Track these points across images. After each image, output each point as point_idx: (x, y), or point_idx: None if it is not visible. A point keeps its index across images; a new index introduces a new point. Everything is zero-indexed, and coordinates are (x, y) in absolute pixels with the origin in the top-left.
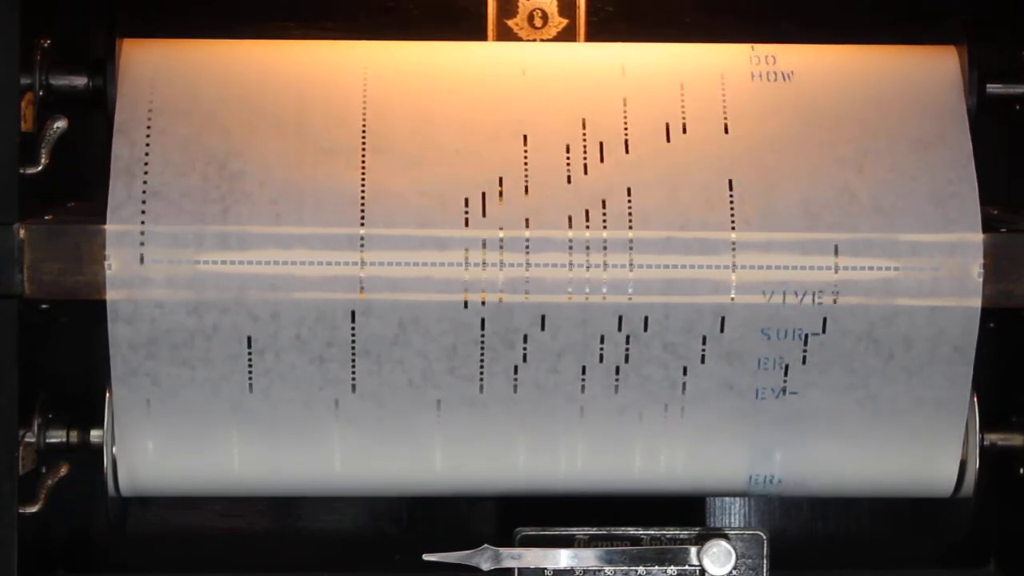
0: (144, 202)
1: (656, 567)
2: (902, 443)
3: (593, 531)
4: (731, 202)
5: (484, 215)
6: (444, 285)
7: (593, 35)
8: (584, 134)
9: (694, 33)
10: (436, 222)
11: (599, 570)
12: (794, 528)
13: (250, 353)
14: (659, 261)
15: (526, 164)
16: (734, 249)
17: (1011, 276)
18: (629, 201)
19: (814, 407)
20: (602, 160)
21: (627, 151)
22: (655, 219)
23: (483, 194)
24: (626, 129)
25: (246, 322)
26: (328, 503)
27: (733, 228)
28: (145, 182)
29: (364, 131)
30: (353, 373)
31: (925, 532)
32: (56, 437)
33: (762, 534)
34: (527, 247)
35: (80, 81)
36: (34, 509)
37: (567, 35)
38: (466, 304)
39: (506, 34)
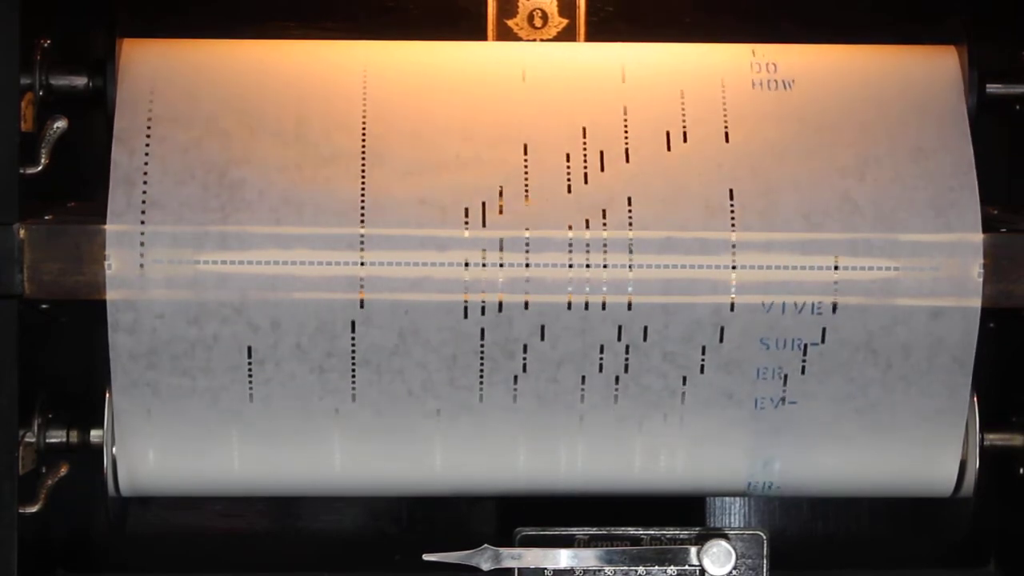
0: (144, 212)
1: (656, 567)
2: (902, 444)
3: (593, 531)
4: (731, 211)
5: (484, 225)
6: (444, 292)
7: (593, 35)
8: (584, 142)
9: (694, 33)
10: (436, 231)
11: (599, 570)
12: (794, 528)
13: (250, 363)
14: (658, 269)
15: (526, 173)
16: (734, 258)
17: (1011, 276)
18: (629, 210)
19: (813, 416)
20: (602, 169)
21: (627, 160)
22: (655, 227)
23: (483, 203)
24: (626, 137)
25: (246, 332)
26: (328, 503)
27: (733, 238)
28: (144, 192)
29: (364, 137)
30: (353, 383)
31: (925, 532)
32: (56, 437)
33: (762, 534)
34: (527, 253)
35: (80, 81)
36: (34, 509)
37: (567, 35)
38: (466, 313)
39: (506, 34)
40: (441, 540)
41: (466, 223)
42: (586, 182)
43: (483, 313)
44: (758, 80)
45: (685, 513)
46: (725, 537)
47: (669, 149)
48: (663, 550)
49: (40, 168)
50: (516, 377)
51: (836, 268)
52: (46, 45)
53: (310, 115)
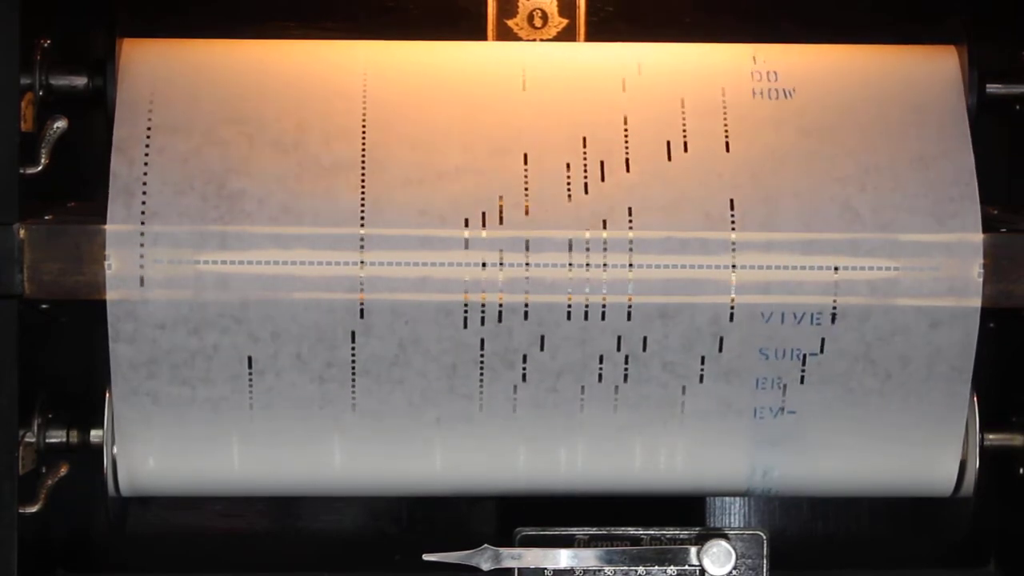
0: (143, 223)
1: (656, 567)
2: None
3: (593, 531)
4: (732, 221)
5: (484, 236)
6: (444, 302)
7: (593, 35)
8: (585, 152)
9: (694, 33)
10: (436, 242)
11: (599, 570)
12: (794, 528)
13: (251, 373)
14: (658, 278)
15: (526, 182)
16: (734, 270)
17: (1011, 276)
18: (630, 220)
19: (812, 426)
20: (603, 179)
21: (628, 169)
22: (655, 237)
23: (483, 213)
24: (627, 147)
25: (246, 342)
26: (328, 503)
27: (733, 247)
28: (144, 203)
29: (364, 146)
30: (353, 392)
31: (925, 532)
32: (56, 437)
33: (762, 534)
34: (527, 266)
35: (80, 81)
36: (34, 509)
37: (567, 35)
38: (465, 323)
39: (506, 34)
40: (441, 540)
41: (466, 233)
42: (586, 192)
43: (483, 323)
44: (759, 89)
45: (685, 513)
46: (725, 537)
47: (670, 159)
48: (663, 550)
49: (40, 168)
50: (516, 387)
51: (836, 269)
52: (46, 45)
53: (309, 123)
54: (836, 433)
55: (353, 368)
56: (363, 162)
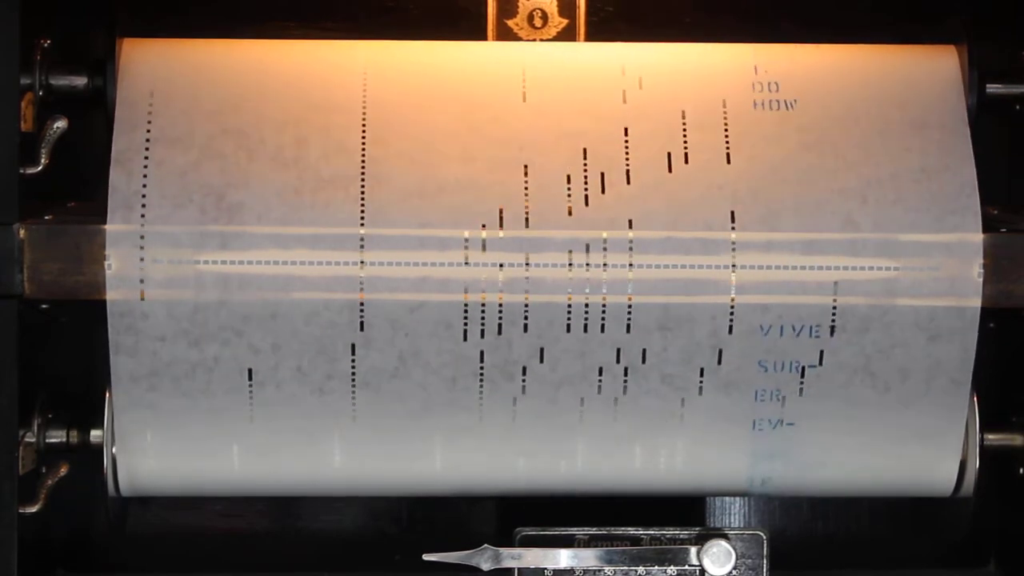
0: (143, 237)
1: (656, 567)
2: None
3: (593, 531)
4: (732, 234)
5: (484, 249)
6: (444, 314)
7: (593, 35)
8: (585, 164)
9: (694, 33)
10: (436, 255)
11: (599, 570)
12: (794, 528)
13: (251, 385)
14: (658, 289)
15: (526, 195)
16: (733, 283)
17: (1011, 276)
18: (630, 233)
19: (811, 437)
20: (603, 191)
21: (628, 182)
22: (656, 250)
23: (483, 226)
24: (627, 159)
25: (247, 355)
26: (328, 503)
27: (734, 260)
28: (143, 216)
29: (364, 160)
30: (353, 404)
31: (925, 532)
32: (56, 437)
33: (762, 534)
34: (527, 280)
35: (80, 81)
36: (34, 509)
37: (567, 35)
38: (465, 336)
39: (506, 34)
40: (441, 540)
41: (466, 247)
42: (587, 204)
43: (482, 336)
44: (760, 100)
45: (685, 513)
46: (725, 537)
47: (670, 171)
48: (663, 550)
49: (40, 168)
50: (515, 399)
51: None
52: (46, 45)
53: (309, 136)
54: (835, 443)
55: (353, 380)
56: (363, 175)
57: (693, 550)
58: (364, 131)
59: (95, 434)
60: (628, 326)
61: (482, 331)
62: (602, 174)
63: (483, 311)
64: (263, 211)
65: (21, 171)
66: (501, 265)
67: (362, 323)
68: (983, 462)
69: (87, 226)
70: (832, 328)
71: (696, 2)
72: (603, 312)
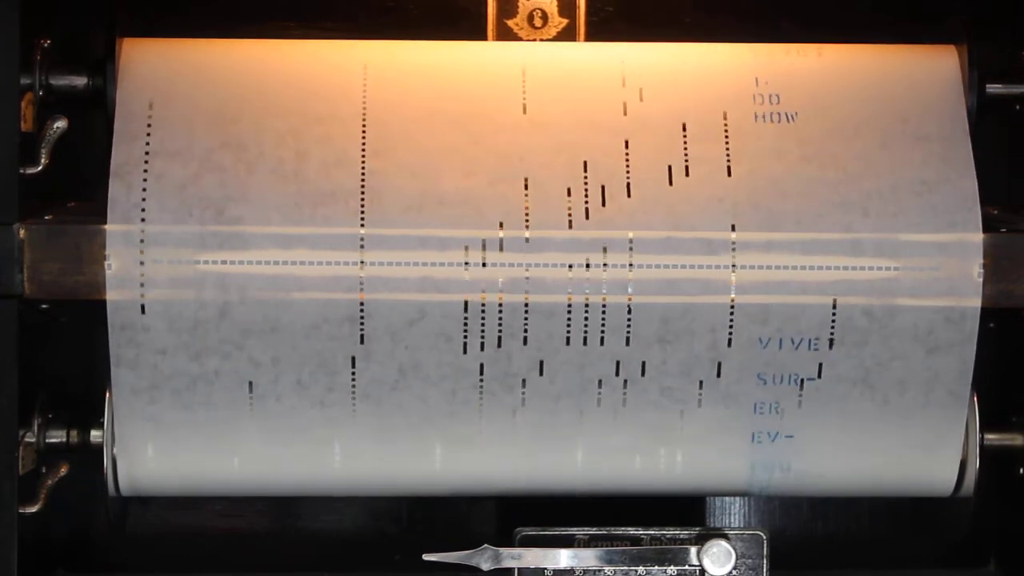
0: (143, 251)
1: (656, 567)
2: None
3: (593, 531)
4: (733, 246)
5: (484, 264)
6: (444, 328)
7: (593, 35)
8: (586, 176)
9: (694, 33)
10: (436, 269)
11: (599, 570)
12: (794, 528)
13: (251, 398)
14: (658, 304)
15: (527, 208)
16: (733, 295)
17: (1011, 276)
18: (631, 246)
19: (810, 449)
20: (604, 204)
21: (629, 195)
22: (656, 262)
23: (483, 241)
24: (628, 171)
25: (247, 368)
26: (328, 503)
27: (734, 273)
28: (143, 230)
29: (363, 173)
30: (354, 416)
31: (925, 532)
32: (56, 437)
33: (762, 534)
34: (527, 293)
35: (80, 81)
36: (34, 509)
37: (567, 35)
38: (465, 348)
39: (506, 34)
40: (441, 540)
41: (466, 260)
42: (587, 217)
43: (482, 348)
44: (761, 112)
45: (685, 513)
46: (725, 537)
47: (671, 184)
48: (663, 550)
49: (40, 168)
50: (515, 411)
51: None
52: (46, 45)
53: (309, 148)
54: (834, 453)
55: (353, 393)
56: (362, 188)
57: (693, 550)
58: (364, 144)
59: (95, 434)
60: (627, 339)
61: (482, 344)
62: (603, 187)
63: (483, 324)
64: (263, 223)
65: (21, 171)
66: (501, 279)
67: (362, 336)
68: (983, 462)
69: (87, 226)
70: (831, 341)
71: (696, 2)
72: (603, 325)
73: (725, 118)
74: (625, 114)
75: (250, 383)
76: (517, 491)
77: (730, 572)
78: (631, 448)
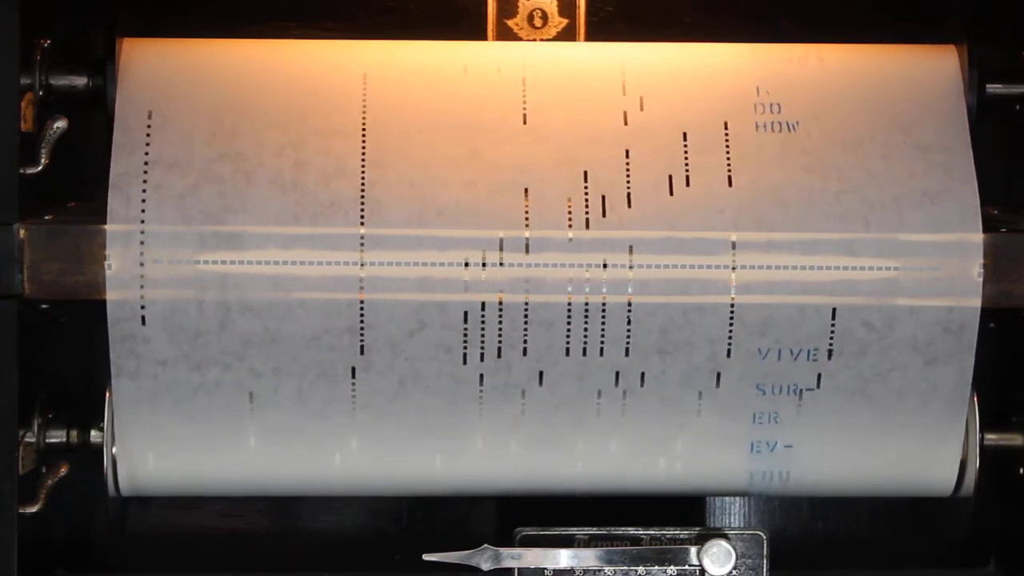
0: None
1: (656, 567)
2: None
3: (593, 531)
4: (733, 257)
5: (484, 276)
6: (443, 339)
7: (593, 35)
8: (586, 187)
9: (694, 33)
10: (436, 280)
11: (599, 570)
12: (794, 528)
13: (252, 408)
14: (658, 315)
15: (527, 219)
16: (732, 306)
17: (1011, 276)
18: (631, 257)
19: (809, 458)
20: (604, 214)
21: (630, 205)
22: (656, 273)
23: (483, 253)
24: (628, 182)
25: (248, 378)
26: (328, 503)
27: (734, 284)
28: (143, 242)
29: (363, 184)
30: (354, 425)
31: (925, 532)
32: (56, 437)
33: (762, 534)
34: (526, 307)
35: (80, 81)
36: (34, 509)
37: (567, 35)
38: (465, 359)
39: (506, 34)
40: (441, 540)
41: (466, 272)
42: (587, 227)
43: (482, 359)
44: (762, 122)
45: (685, 513)
46: (725, 537)
47: (672, 193)
48: (663, 550)
49: (40, 168)
50: (514, 421)
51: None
52: (46, 45)
53: (308, 159)
54: (833, 461)
55: (353, 402)
56: (362, 199)
57: (693, 550)
58: (364, 154)
59: (95, 434)
60: (627, 349)
61: (481, 354)
62: (603, 197)
63: (483, 335)
64: (262, 235)
65: (21, 171)
66: (501, 289)
67: (362, 347)
68: (983, 462)
69: (87, 226)
70: (830, 352)
71: (696, 2)
72: (602, 335)
73: (726, 128)
74: (626, 124)
75: (250, 393)
76: (516, 494)
77: (730, 572)
78: (629, 458)
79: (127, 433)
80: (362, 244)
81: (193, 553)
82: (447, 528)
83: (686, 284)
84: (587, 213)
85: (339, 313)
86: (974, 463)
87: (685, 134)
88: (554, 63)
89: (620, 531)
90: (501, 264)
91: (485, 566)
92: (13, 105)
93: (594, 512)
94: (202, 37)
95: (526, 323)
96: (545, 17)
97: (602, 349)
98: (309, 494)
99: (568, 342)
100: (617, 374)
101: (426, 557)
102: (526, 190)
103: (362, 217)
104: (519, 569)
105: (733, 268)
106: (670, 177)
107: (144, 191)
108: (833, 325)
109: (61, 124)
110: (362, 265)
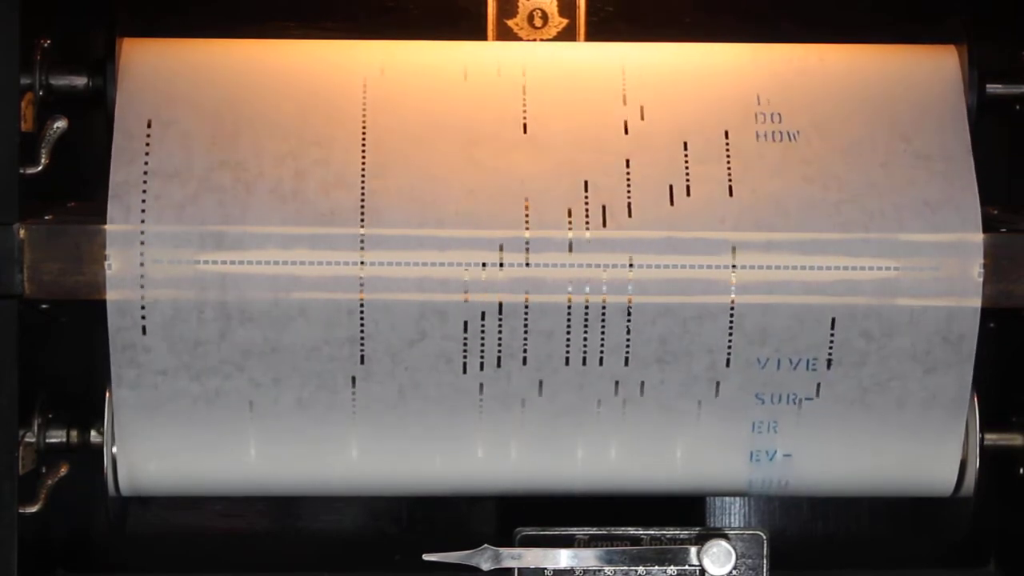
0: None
1: (656, 567)
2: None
3: (593, 531)
4: (733, 267)
5: (483, 284)
6: (444, 349)
7: (593, 35)
8: (586, 197)
9: (694, 33)
10: (436, 290)
11: (599, 570)
12: (794, 528)
13: (251, 416)
14: (658, 326)
15: (527, 229)
16: (732, 316)
17: (1011, 276)
18: (631, 266)
19: (808, 465)
20: (604, 224)
21: (630, 215)
22: (656, 283)
23: (483, 264)
24: (629, 192)
25: (248, 388)
26: (328, 503)
27: (734, 294)
28: (143, 243)
29: (363, 194)
30: (354, 434)
31: (925, 532)
32: (56, 437)
33: (762, 534)
34: (526, 317)
35: (80, 81)
36: (34, 509)
37: (567, 35)
38: (465, 369)
39: (506, 34)
40: (441, 540)
41: (466, 281)
42: (588, 238)
43: (482, 368)
44: (763, 131)
45: (685, 513)
46: (725, 537)
47: (672, 203)
48: (663, 550)
49: (40, 168)
50: (514, 431)
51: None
52: (46, 45)
53: (308, 168)
54: (832, 467)
55: (354, 411)
56: (362, 209)
57: (693, 550)
58: (364, 164)
59: (95, 434)
60: (626, 359)
61: (481, 364)
62: (603, 207)
63: (483, 344)
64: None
65: (21, 171)
66: (500, 299)
67: (362, 356)
68: (983, 462)
69: (87, 226)
70: (829, 361)
71: (696, 2)
72: (602, 345)
73: (726, 137)
74: (626, 133)
75: (250, 402)
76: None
77: (730, 572)
78: (628, 466)
79: (128, 440)
80: (362, 254)
81: (193, 553)
82: (447, 528)
83: (686, 293)
84: (587, 222)
85: (339, 323)
86: (974, 463)
87: (686, 143)
88: (555, 70)
89: (620, 531)
90: (501, 272)
91: (485, 566)
92: (13, 105)
93: (594, 512)
94: (202, 37)
95: (526, 332)
96: (545, 17)
97: (601, 358)
98: (308, 489)
99: (568, 351)
100: (617, 383)
101: (426, 557)
102: (526, 200)
103: (362, 227)
104: (519, 569)
105: (733, 278)
106: (671, 187)
107: (144, 201)
108: (832, 335)
109: (61, 124)
110: (362, 274)
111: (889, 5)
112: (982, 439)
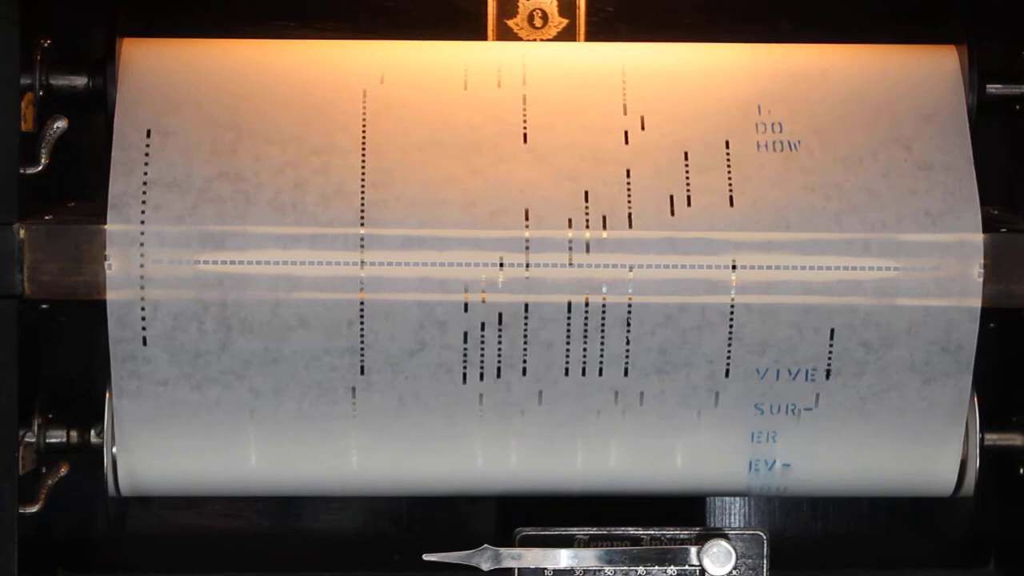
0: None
1: (656, 567)
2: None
3: (593, 531)
4: (734, 278)
5: (484, 301)
6: (443, 360)
7: (593, 35)
8: (587, 207)
9: (694, 33)
10: (436, 300)
11: (599, 570)
12: (794, 528)
13: (252, 423)
14: (658, 336)
15: (527, 240)
16: (731, 327)
17: (1011, 276)
18: (631, 276)
19: (807, 472)
20: (605, 235)
21: (630, 225)
22: (657, 295)
23: (483, 277)
24: (629, 202)
25: (249, 397)
26: (328, 503)
27: (733, 304)
28: (142, 265)
29: (363, 205)
30: (354, 444)
31: (925, 532)
32: (56, 437)
33: (762, 534)
34: (526, 327)
35: (80, 81)
36: (34, 509)
37: (567, 35)
38: (464, 379)
39: (506, 34)
40: (441, 540)
41: (466, 291)
42: (588, 249)
43: (481, 379)
44: (763, 141)
45: (685, 513)
46: (725, 537)
47: (673, 214)
48: (663, 550)
49: (40, 168)
50: (514, 441)
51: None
52: (46, 45)
53: (307, 179)
54: (831, 475)
55: (354, 420)
56: (362, 219)
57: (693, 550)
58: (363, 174)
59: (95, 434)
60: (626, 370)
61: (481, 374)
62: (604, 217)
63: (482, 355)
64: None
65: (21, 171)
66: (500, 310)
67: (362, 367)
68: (983, 462)
69: (87, 226)
70: (828, 372)
71: (696, 3)
72: (601, 356)
73: (727, 147)
74: (627, 143)
75: (251, 411)
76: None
77: (730, 572)
78: (627, 476)
79: (128, 447)
80: (362, 262)
81: (193, 553)
82: (447, 528)
83: (686, 304)
84: (588, 234)
85: (339, 332)
86: (974, 463)
87: (686, 153)
88: (555, 79)
89: (620, 531)
90: (501, 283)
91: (485, 566)
92: (13, 105)
93: (594, 512)
94: (202, 37)
95: (525, 343)
96: (545, 17)
97: (601, 368)
98: (308, 490)
99: (567, 362)
100: (616, 393)
101: (426, 557)
102: (526, 211)
103: (362, 237)
104: (519, 569)
105: (733, 288)
106: (671, 196)
107: (143, 212)
108: (831, 345)
109: (61, 124)
110: (362, 283)
111: (889, 5)
112: (982, 439)
